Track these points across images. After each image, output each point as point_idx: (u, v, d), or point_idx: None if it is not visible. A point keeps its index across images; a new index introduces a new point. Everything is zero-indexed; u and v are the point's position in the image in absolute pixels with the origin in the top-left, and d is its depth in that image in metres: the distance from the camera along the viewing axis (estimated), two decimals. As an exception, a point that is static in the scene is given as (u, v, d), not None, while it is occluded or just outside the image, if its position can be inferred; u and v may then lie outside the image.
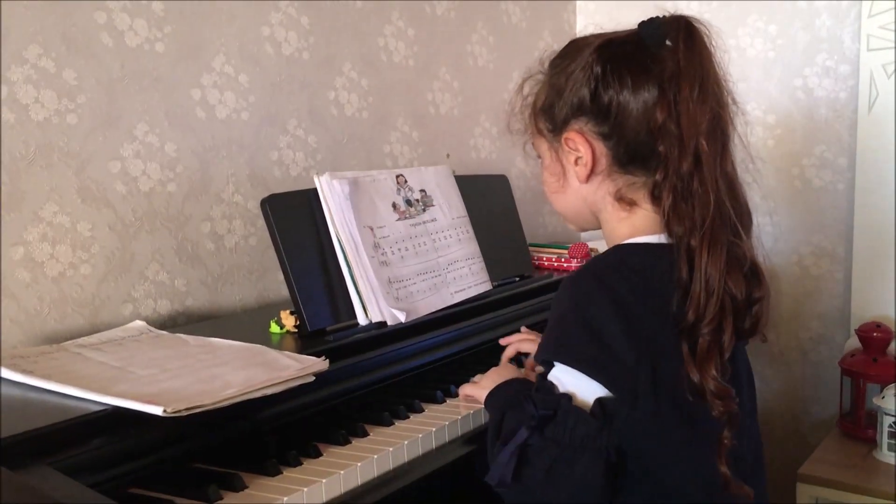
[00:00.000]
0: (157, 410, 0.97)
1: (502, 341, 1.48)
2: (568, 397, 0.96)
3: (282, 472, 1.04)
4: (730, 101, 1.02)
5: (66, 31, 1.37)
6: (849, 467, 1.93)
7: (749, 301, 0.99)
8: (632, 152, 1.01)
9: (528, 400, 0.98)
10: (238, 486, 0.99)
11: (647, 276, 0.98)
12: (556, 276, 1.88)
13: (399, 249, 1.49)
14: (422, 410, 1.27)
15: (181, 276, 1.55)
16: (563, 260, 1.96)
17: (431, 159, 2.09)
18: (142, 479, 1.01)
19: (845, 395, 2.12)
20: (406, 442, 1.14)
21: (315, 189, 1.41)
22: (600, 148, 1.03)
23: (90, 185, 1.41)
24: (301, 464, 1.07)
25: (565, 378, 0.98)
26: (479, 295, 1.62)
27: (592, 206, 1.08)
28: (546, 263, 1.98)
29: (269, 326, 1.40)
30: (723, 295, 0.95)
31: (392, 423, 1.21)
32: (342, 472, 1.03)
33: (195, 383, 1.09)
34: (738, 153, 1.03)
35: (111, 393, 1.02)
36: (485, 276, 1.66)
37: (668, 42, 0.99)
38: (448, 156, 2.17)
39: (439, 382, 1.39)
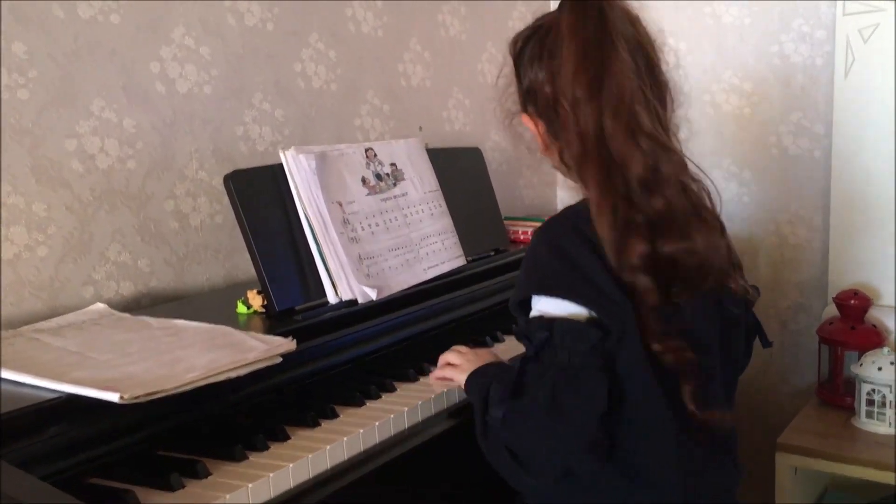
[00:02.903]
0: (113, 397, 0.93)
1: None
2: (561, 318, 0.97)
3: (248, 458, 1.00)
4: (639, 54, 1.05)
5: (14, 2, 1.30)
6: (827, 436, 1.92)
7: (666, 259, 1.00)
8: (549, 121, 1.07)
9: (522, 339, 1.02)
10: (202, 473, 0.95)
11: None
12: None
13: (369, 225, 1.45)
14: (394, 389, 1.24)
15: (144, 256, 1.50)
16: (538, 233, 1.92)
17: (404, 133, 2.05)
18: (102, 468, 0.97)
19: (823, 363, 2.11)
20: (377, 423, 1.10)
21: (281, 164, 1.37)
22: (541, 125, 1.10)
23: (45, 163, 1.35)
24: (268, 448, 1.03)
25: (551, 308, 0.99)
26: (453, 270, 1.58)
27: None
28: (522, 237, 1.95)
29: (237, 307, 1.36)
30: (624, 259, 0.98)
31: (363, 404, 1.18)
32: (310, 455, 1.00)
33: (156, 367, 1.04)
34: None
35: (66, 380, 0.98)
36: (459, 251, 1.62)
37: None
38: (421, 129, 2.12)
39: (412, 360, 1.35)
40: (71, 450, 0.95)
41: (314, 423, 1.10)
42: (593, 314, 0.97)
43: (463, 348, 1.29)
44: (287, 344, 1.14)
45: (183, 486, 0.93)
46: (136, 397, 0.93)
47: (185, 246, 1.57)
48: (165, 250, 1.54)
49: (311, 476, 0.99)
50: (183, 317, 1.29)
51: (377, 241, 1.46)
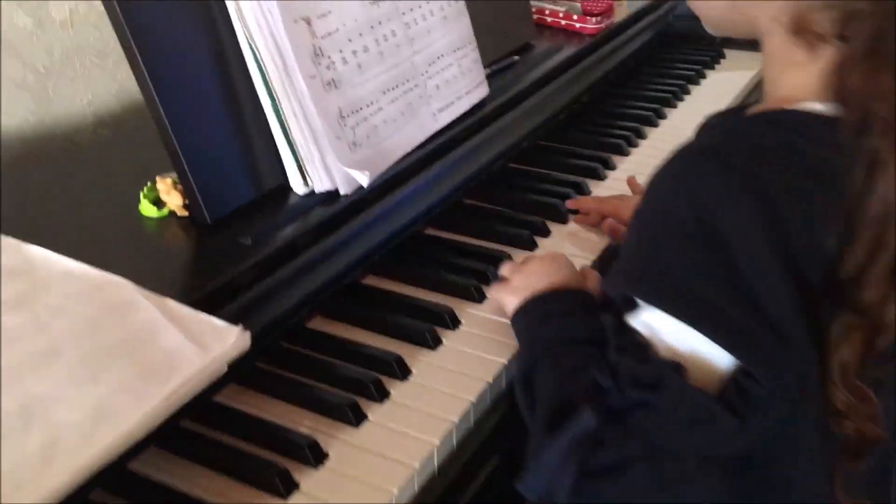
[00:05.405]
0: None
1: (570, 203, 1.03)
2: (676, 368, 0.58)
3: None
4: None
5: None
6: None
7: None
8: None
9: (591, 357, 0.62)
10: None
11: (823, 173, 0.58)
12: (566, 50, 1.28)
13: (354, 52, 0.89)
14: (406, 376, 0.77)
15: (-23, 77, 0.91)
16: (574, 17, 1.35)
17: None
18: None
19: None
20: (415, 465, 0.66)
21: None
22: None
23: None
24: None
25: (668, 331, 0.59)
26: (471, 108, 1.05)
27: (752, 23, 0.65)
28: (550, 21, 1.36)
29: (139, 203, 0.82)
30: None
31: (368, 409, 0.72)
32: None
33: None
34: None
35: None
36: (480, 74, 1.07)
37: None
38: None
39: (416, 270, 0.88)
40: None
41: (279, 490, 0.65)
42: (742, 363, 0.58)
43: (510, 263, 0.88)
44: (238, 340, 0.65)
45: None
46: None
47: (46, 54, 0.97)
48: (14, 64, 0.94)
49: None
50: (52, 193, 0.77)
51: (366, 78, 0.90)
